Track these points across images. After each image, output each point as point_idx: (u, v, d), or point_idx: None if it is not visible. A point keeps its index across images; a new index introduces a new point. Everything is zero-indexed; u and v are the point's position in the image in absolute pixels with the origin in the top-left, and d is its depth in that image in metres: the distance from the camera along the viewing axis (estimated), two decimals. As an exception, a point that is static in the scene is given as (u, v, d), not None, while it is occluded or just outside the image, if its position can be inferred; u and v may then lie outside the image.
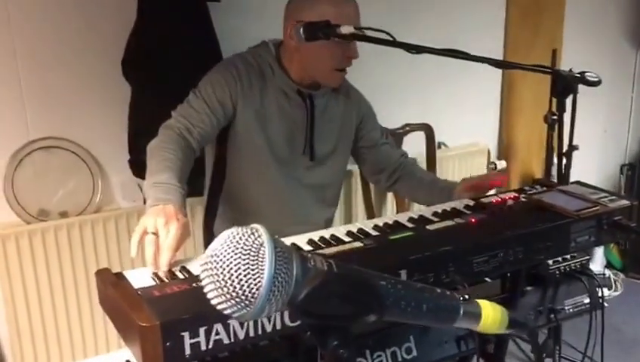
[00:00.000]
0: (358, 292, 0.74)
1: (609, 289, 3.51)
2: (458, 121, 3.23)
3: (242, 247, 0.68)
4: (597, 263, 3.55)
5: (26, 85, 2.23)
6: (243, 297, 0.67)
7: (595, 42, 3.66)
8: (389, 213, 2.87)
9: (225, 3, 2.35)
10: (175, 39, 2.23)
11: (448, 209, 1.48)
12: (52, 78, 2.27)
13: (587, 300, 1.61)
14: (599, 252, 3.60)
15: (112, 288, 1.09)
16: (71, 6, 2.23)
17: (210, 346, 1.01)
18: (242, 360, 1.18)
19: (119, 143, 2.40)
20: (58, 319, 2.36)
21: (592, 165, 3.87)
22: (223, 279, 0.67)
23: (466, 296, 0.82)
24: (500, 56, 3.34)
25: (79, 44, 2.27)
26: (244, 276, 0.67)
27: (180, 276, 1.18)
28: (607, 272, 3.64)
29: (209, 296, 0.69)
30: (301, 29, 1.50)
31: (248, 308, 0.68)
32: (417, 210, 1.49)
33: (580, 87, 1.60)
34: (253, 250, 0.68)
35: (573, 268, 1.55)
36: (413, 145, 2.72)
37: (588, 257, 1.58)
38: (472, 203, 1.51)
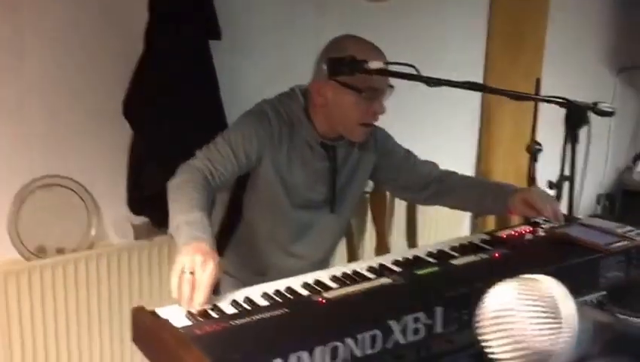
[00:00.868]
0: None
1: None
2: (437, 152, 3.27)
3: (537, 301, 0.66)
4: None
5: (33, 124, 2.22)
6: (543, 352, 0.65)
7: (574, 69, 3.72)
8: (368, 246, 2.84)
9: (225, 42, 2.37)
10: (177, 78, 2.23)
11: (466, 243, 1.49)
12: (55, 116, 2.25)
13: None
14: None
15: (154, 327, 1.08)
16: (77, 46, 2.23)
17: (256, 387, 0.99)
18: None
19: (114, 181, 2.40)
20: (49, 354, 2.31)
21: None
22: (521, 334, 0.65)
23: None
24: (479, 79, 3.40)
25: (82, 82, 2.27)
26: (547, 330, 0.65)
27: (214, 315, 1.17)
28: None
29: (497, 349, 0.66)
30: (324, 66, 1.51)
31: None
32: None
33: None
34: (548, 303, 0.66)
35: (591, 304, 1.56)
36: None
37: (604, 293, 1.59)
38: (488, 237, 1.53)
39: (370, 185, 2.14)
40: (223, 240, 1.90)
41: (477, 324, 0.70)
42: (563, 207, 1.80)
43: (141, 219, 2.46)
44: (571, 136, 1.68)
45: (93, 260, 2.35)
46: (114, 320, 2.42)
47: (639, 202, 4.03)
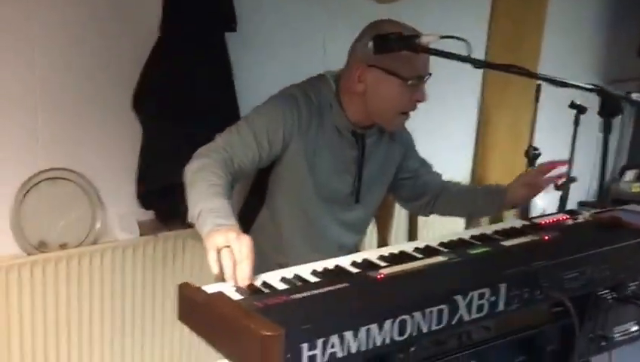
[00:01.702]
0: None
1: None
2: (435, 156, 3.25)
3: None
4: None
5: (42, 116, 2.14)
6: None
7: (565, 76, 3.77)
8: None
9: (241, 35, 2.32)
10: (191, 71, 2.17)
11: (507, 228, 1.45)
12: (63, 109, 2.18)
13: (635, 328, 1.60)
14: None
15: (208, 301, 1.01)
16: (87, 38, 2.17)
17: (325, 359, 0.93)
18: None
19: (120, 175, 2.33)
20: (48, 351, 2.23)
21: (554, 199, 3.95)
22: None
23: None
24: (477, 92, 3.41)
25: (92, 74, 2.21)
26: None
27: (267, 291, 1.10)
28: None
29: None
30: (370, 43, 1.46)
31: None
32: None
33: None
34: None
35: (626, 293, 1.53)
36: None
37: (637, 283, 1.57)
38: (528, 222, 1.50)
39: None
40: (244, 225, 1.83)
41: None
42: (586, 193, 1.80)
43: (146, 215, 2.39)
44: (605, 124, 1.67)
45: (98, 256, 2.28)
46: (116, 317, 2.35)
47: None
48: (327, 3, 2.72)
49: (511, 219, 1.57)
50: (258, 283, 1.14)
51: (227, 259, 1.15)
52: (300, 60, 2.61)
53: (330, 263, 1.23)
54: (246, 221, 1.84)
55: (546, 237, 1.34)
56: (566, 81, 1.59)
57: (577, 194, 4.13)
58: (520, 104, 3.40)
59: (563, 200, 2.91)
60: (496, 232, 1.42)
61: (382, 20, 1.66)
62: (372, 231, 2.62)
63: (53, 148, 2.18)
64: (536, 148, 3.06)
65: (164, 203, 2.26)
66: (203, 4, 2.17)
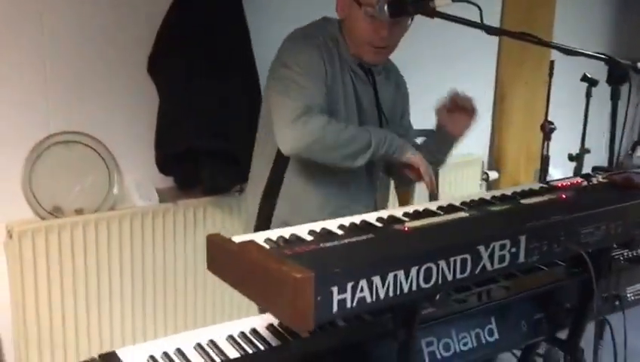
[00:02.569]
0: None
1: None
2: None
3: None
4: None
5: (51, 77, 2.15)
6: None
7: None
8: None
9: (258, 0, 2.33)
10: (208, 34, 2.19)
11: (526, 189, 1.48)
12: (76, 72, 2.20)
13: (648, 288, 1.63)
14: None
15: (239, 249, 1.04)
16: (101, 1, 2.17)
17: (354, 304, 0.96)
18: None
19: (138, 141, 2.35)
20: (66, 319, 2.25)
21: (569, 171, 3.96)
22: None
23: None
24: (492, 69, 3.44)
25: (105, 38, 2.23)
26: None
27: (295, 241, 1.13)
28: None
29: None
30: (385, 6, 1.48)
31: None
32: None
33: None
34: None
35: (638, 254, 1.57)
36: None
37: (644, 246, 1.60)
38: (545, 185, 1.52)
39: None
40: (272, 195, 1.83)
41: None
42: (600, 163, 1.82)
43: (166, 182, 2.41)
44: (613, 92, 1.70)
45: (116, 222, 2.29)
46: (136, 286, 2.36)
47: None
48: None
49: (528, 183, 1.59)
50: (286, 235, 1.17)
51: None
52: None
53: (356, 219, 1.26)
54: (273, 190, 1.83)
55: (563, 196, 1.36)
56: (575, 49, 1.62)
57: (592, 164, 4.14)
58: (535, 79, 3.43)
59: (578, 170, 2.94)
60: (516, 193, 1.45)
61: None
62: (395, 203, 2.67)
63: (64, 111, 2.18)
64: (551, 123, 3.08)
65: (183, 169, 2.29)
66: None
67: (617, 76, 1.69)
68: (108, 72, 2.25)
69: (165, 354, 1.20)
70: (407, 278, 1.01)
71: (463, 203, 1.37)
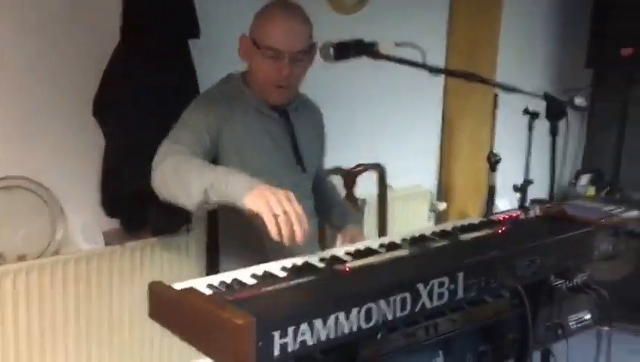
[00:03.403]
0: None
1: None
2: (401, 163, 3.34)
3: None
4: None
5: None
6: None
7: (521, 85, 3.90)
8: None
9: (205, 41, 2.35)
10: (154, 77, 2.18)
11: (466, 224, 1.52)
12: (19, 115, 2.16)
13: (588, 316, 1.68)
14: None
15: (179, 296, 1.04)
16: (45, 43, 2.17)
17: (296, 347, 0.97)
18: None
19: (83, 184, 2.32)
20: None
21: (514, 201, 4.06)
22: None
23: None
24: (439, 102, 3.54)
25: (49, 81, 2.20)
26: None
27: (237, 286, 1.14)
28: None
29: None
30: (331, 50, 1.53)
31: None
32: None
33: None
34: None
35: (577, 283, 1.62)
36: (363, 186, 2.73)
37: (587, 273, 1.65)
38: (485, 219, 1.57)
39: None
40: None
41: None
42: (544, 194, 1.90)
43: (111, 224, 2.37)
44: (552, 127, 1.77)
45: (59, 267, 2.23)
46: (81, 332, 2.29)
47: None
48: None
49: (470, 218, 1.64)
50: (228, 279, 1.17)
51: (285, 226, 1.28)
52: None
53: (298, 260, 1.27)
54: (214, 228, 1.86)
55: (500, 231, 1.41)
56: (514, 86, 1.69)
57: (536, 195, 4.26)
58: (480, 112, 3.52)
59: (522, 201, 3.02)
60: (455, 228, 1.49)
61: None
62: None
63: (6, 155, 2.14)
64: (496, 154, 3.18)
65: (129, 210, 2.26)
66: (164, 10, 2.19)
67: (555, 112, 1.77)
68: (52, 115, 2.22)
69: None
70: (347, 319, 1.03)
71: (403, 239, 1.40)
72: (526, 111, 3.02)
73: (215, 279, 1.18)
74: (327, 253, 1.31)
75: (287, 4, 1.79)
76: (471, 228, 1.48)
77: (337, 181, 2.47)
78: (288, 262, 1.26)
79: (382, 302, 1.07)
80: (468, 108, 3.55)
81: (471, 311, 1.50)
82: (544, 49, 4.18)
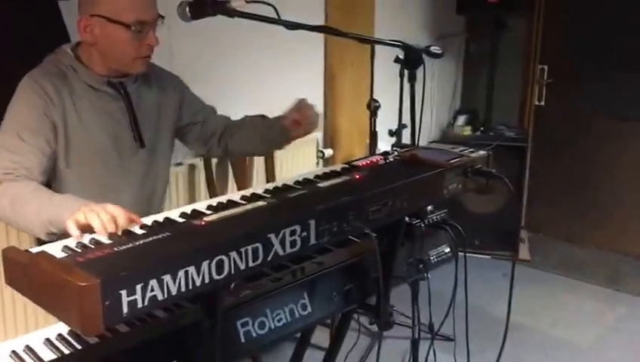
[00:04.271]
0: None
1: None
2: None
3: None
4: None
5: None
6: None
7: (399, 36, 4.02)
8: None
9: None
10: (20, 40, 2.08)
11: (328, 172, 1.59)
12: None
13: (447, 249, 1.82)
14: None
15: (31, 262, 1.04)
16: None
17: (145, 303, 1.01)
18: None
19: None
20: None
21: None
22: None
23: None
24: (321, 45, 3.59)
25: None
26: None
27: (92, 245, 1.16)
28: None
29: None
30: (187, 8, 1.52)
31: None
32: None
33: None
34: None
35: (436, 219, 1.74)
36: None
37: (446, 210, 1.78)
38: (347, 165, 1.64)
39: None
40: None
41: None
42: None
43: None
44: (410, 75, 1.86)
45: None
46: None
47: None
48: None
49: (336, 165, 1.71)
50: (85, 240, 1.19)
51: (94, 219, 1.25)
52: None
53: (159, 216, 1.30)
54: None
55: (357, 177, 1.49)
56: (370, 37, 1.76)
57: (420, 139, 4.45)
58: (360, 62, 3.60)
59: (397, 144, 3.14)
60: (317, 176, 1.55)
61: None
62: (233, 187, 2.72)
63: None
64: (376, 101, 3.28)
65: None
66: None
67: (412, 60, 1.85)
68: None
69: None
70: (198, 272, 1.07)
71: (266, 190, 1.46)
72: (396, 60, 3.13)
73: (73, 241, 1.20)
74: (190, 208, 1.34)
75: None
76: (332, 175, 1.54)
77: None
78: (148, 220, 1.28)
79: (233, 254, 1.12)
80: (348, 58, 3.64)
81: (339, 252, 1.59)
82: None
